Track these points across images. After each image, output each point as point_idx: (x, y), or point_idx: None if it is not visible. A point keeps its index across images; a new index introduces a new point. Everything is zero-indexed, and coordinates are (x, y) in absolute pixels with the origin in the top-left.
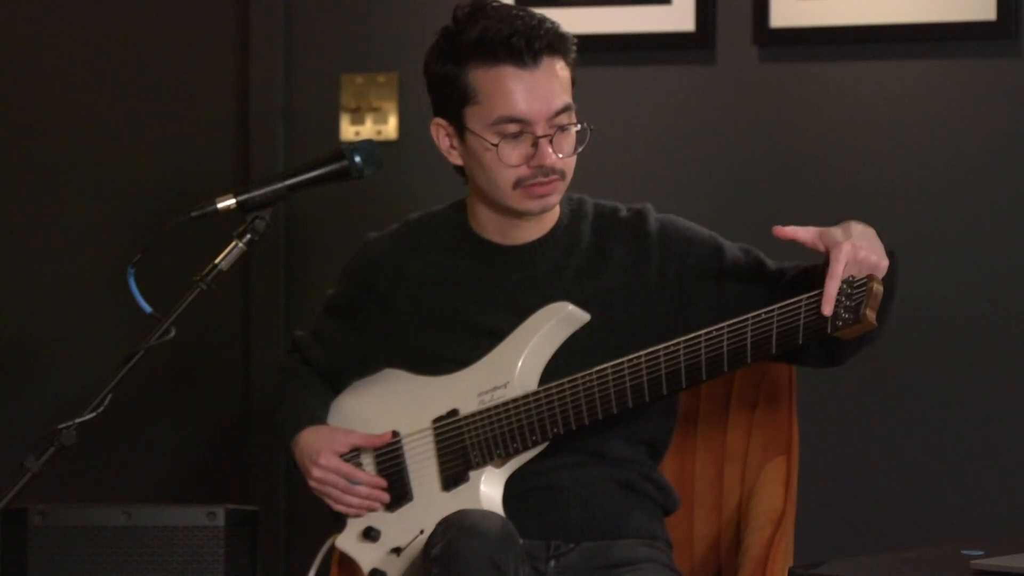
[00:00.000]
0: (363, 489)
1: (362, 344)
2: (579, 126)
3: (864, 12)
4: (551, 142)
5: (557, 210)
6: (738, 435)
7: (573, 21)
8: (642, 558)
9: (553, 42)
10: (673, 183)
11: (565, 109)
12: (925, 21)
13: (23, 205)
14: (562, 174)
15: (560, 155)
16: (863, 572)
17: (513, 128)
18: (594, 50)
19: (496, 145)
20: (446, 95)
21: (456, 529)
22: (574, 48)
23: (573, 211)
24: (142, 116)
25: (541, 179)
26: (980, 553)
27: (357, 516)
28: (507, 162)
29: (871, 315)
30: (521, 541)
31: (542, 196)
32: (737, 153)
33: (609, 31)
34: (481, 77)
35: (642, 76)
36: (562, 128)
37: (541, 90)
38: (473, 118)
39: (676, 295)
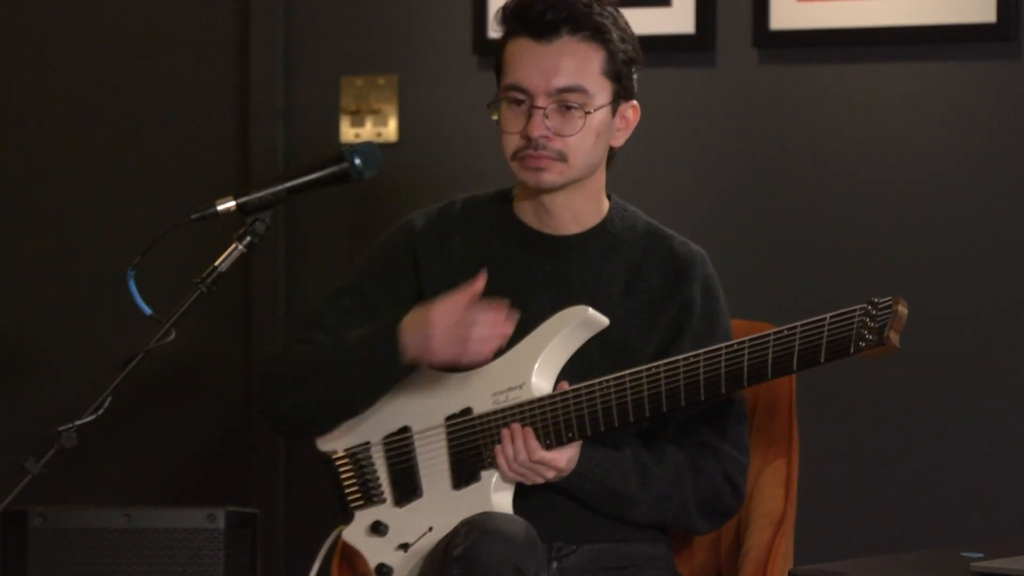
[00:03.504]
0: (488, 319)
1: (395, 309)
2: (586, 111)
3: (864, 14)
4: (546, 116)
5: (602, 211)
6: None
7: None
8: (644, 560)
9: (576, 18)
10: (673, 185)
11: (571, 89)
12: (925, 23)
13: (23, 205)
14: (559, 154)
15: (551, 131)
16: (863, 574)
17: (517, 95)
18: None
19: (496, 118)
20: (496, 65)
21: (480, 532)
22: (617, 35)
23: (623, 220)
24: (142, 117)
25: (531, 151)
26: (980, 555)
27: (500, 345)
28: (507, 128)
29: (895, 338)
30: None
31: (534, 169)
32: (737, 155)
33: None
34: (508, 47)
35: (642, 78)
36: (567, 107)
37: (547, 64)
38: (500, 86)
39: (659, 344)
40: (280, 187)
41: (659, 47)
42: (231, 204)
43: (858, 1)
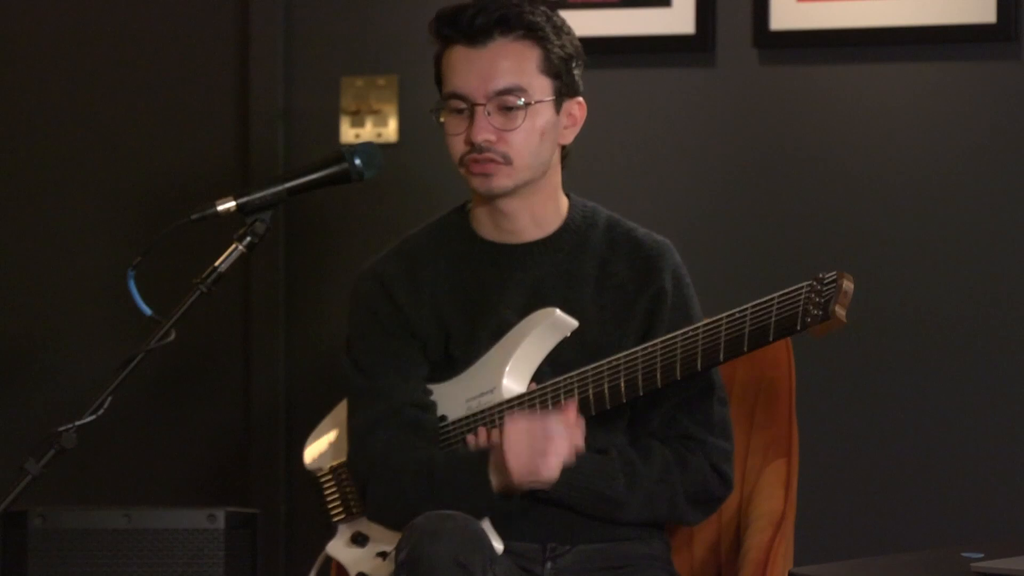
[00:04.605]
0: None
1: (408, 344)
2: (527, 104)
3: (864, 15)
4: (488, 114)
5: (563, 213)
6: (738, 437)
7: (573, 23)
8: (640, 559)
9: (507, 19)
10: (672, 186)
11: (510, 91)
12: (925, 24)
13: (23, 205)
14: (503, 157)
15: (494, 133)
16: (863, 574)
17: (457, 104)
18: (594, 53)
19: (444, 121)
20: (436, 76)
21: (420, 533)
22: (551, 31)
23: (584, 217)
24: (142, 117)
25: (475, 155)
26: (980, 555)
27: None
28: (450, 131)
29: (841, 312)
30: (502, 546)
31: (482, 175)
32: (737, 156)
33: (609, 33)
34: (445, 57)
35: (642, 79)
36: (508, 108)
37: (483, 68)
38: (441, 95)
39: (636, 337)
40: (280, 187)
41: (659, 47)
42: (231, 204)
43: (858, 1)
